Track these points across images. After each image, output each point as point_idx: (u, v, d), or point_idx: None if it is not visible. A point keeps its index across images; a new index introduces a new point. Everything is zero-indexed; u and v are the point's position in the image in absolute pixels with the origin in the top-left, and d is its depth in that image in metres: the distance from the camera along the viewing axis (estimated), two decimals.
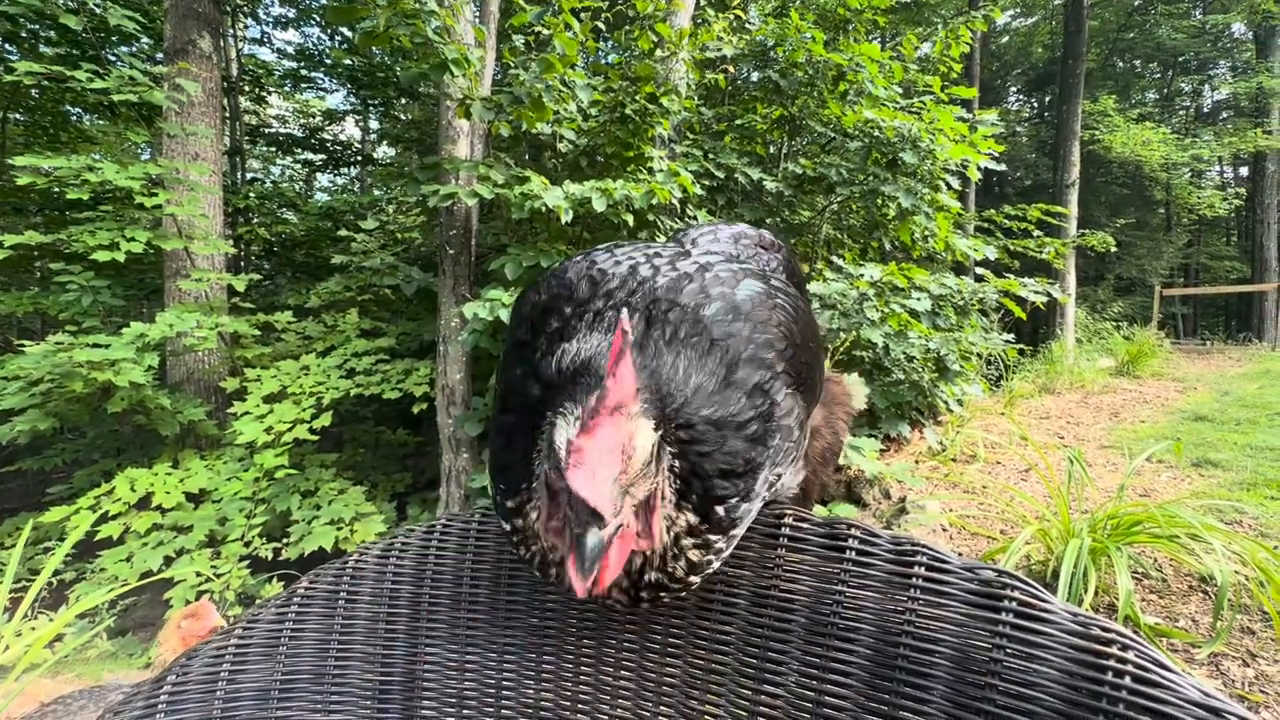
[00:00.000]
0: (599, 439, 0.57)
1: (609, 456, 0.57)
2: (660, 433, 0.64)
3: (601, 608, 0.89)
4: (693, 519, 0.69)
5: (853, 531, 0.76)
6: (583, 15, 4.72)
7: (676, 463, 0.67)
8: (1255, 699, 2.02)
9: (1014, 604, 0.64)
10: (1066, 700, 0.59)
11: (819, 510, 3.91)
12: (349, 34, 12.25)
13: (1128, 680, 0.57)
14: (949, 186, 5.60)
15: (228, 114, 10.45)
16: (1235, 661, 2.19)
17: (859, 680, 0.71)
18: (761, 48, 5.99)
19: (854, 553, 0.75)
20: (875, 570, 0.73)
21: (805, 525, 0.80)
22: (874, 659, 0.70)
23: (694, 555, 0.72)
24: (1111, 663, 0.58)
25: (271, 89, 12.57)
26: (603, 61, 6.24)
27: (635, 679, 0.86)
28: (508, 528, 0.76)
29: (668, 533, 0.68)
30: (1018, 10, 21.25)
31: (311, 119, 14.50)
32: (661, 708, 0.83)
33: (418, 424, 7.19)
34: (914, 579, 0.71)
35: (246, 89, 11.95)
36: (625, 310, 0.64)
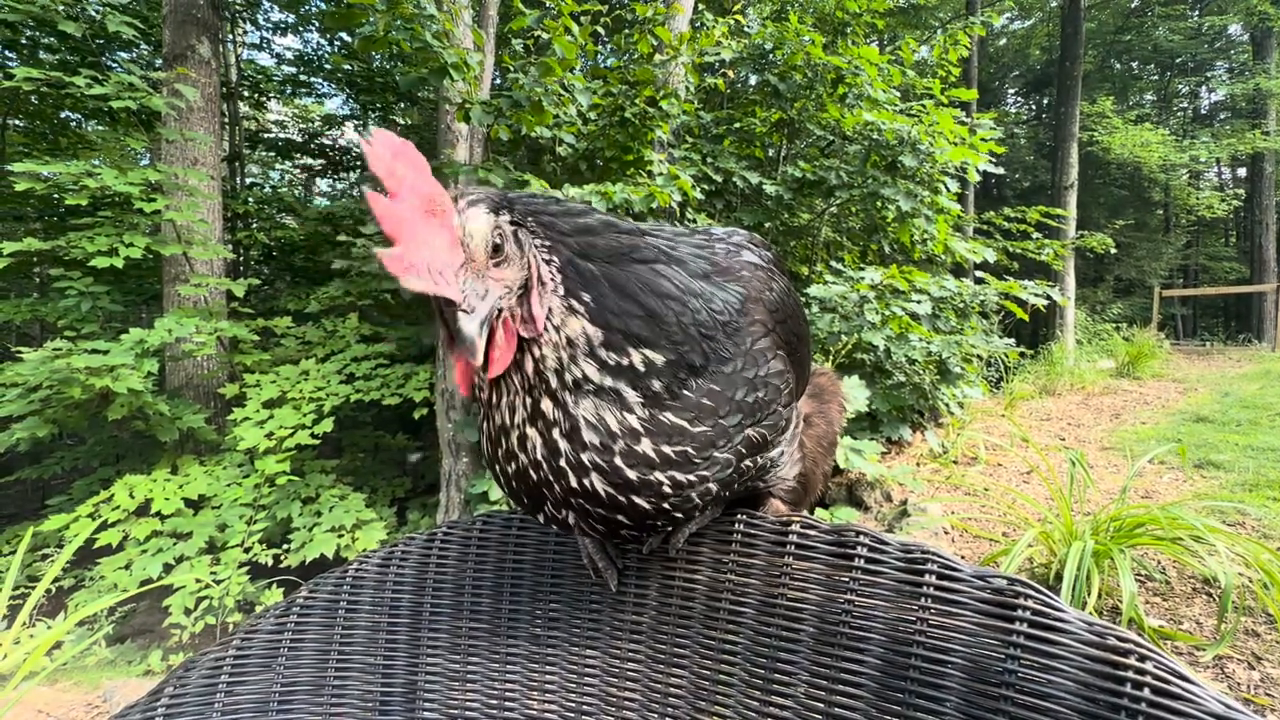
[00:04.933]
0: (418, 240, 0.61)
1: (440, 251, 0.62)
2: (506, 216, 0.67)
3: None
4: (589, 329, 0.65)
5: (861, 539, 0.75)
6: (582, 19, 4.72)
7: (551, 250, 0.67)
8: (1261, 702, 2.01)
9: (1028, 613, 0.63)
10: (1083, 712, 0.58)
11: (820, 513, 3.91)
12: (348, 39, 12.27)
13: (1146, 692, 0.56)
14: (948, 189, 5.60)
15: (227, 119, 10.46)
16: (1240, 664, 2.18)
17: (869, 690, 0.70)
18: (760, 51, 5.99)
19: (863, 560, 0.74)
20: (885, 578, 0.72)
21: (813, 533, 0.79)
22: (884, 668, 0.69)
23: (610, 417, 0.66)
24: (1130, 673, 0.57)
25: (271, 94, 12.58)
26: (602, 65, 6.24)
27: (641, 690, 0.84)
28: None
29: (558, 333, 0.65)
30: (1015, 13, 21.31)
31: (310, 124, 14.49)
32: (668, 719, 0.82)
33: (417, 429, 7.17)
34: (924, 587, 0.69)
35: (245, 94, 11.95)
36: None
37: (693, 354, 0.69)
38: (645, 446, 0.67)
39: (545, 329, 0.66)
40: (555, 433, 0.67)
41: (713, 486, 0.72)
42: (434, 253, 0.62)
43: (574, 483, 0.68)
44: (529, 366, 0.67)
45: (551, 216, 0.69)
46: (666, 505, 0.70)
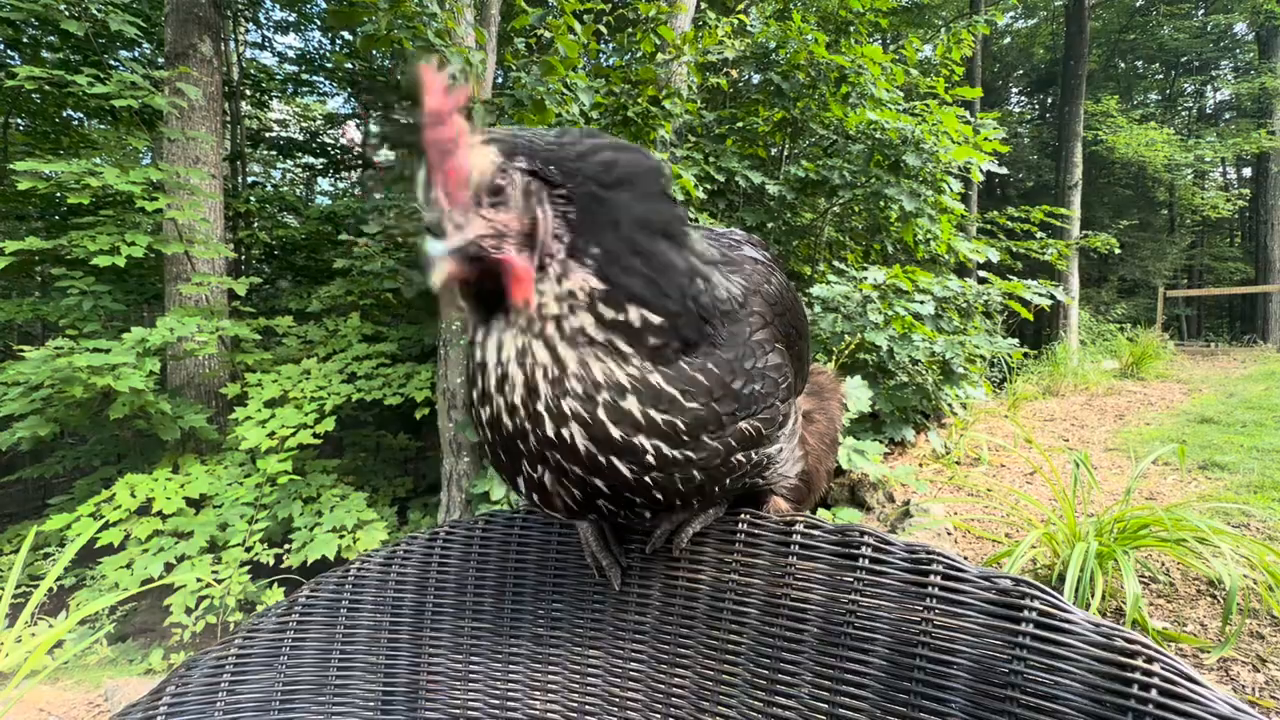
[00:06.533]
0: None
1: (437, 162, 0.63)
2: (522, 162, 0.66)
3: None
4: (593, 281, 0.65)
5: (866, 539, 0.75)
6: (585, 18, 4.71)
7: (569, 200, 0.67)
8: (1266, 704, 2.00)
9: (1034, 614, 0.63)
10: (1089, 713, 0.58)
11: (822, 514, 3.90)
12: (350, 37, 12.27)
13: (1154, 693, 0.55)
14: (951, 189, 5.60)
15: (229, 118, 10.47)
16: (1245, 666, 2.18)
17: (874, 691, 0.69)
18: (763, 50, 5.98)
19: (867, 560, 0.74)
20: (890, 579, 0.72)
21: (817, 533, 0.79)
22: (889, 669, 0.69)
23: (597, 367, 0.65)
24: (1137, 675, 0.56)
25: (272, 93, 12.60)
26: (604, 64, 6.24)
27: (644, 690, 0.84)
28: None
29: (559, 283, 0.66)
30: (1019, 12, 21.27)
31: (312, 123, 14.51)
32: (671, 719, 0.81)
33: (418, 428, 7.18)
34: (930, 588, 0.69)
35: (247, 93, 11.97)
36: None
37: (688, 328, 0.69)
38: (631, 405, 0.66)
39: (545, 278, 0.66)
40: (539, 374, 0.66)
41: (696, 474, 0.71)
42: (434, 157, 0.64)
43: (550, 432, 0.66)
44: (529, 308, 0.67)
45: (577, 164, 0.68)
46: (649, 479, 0.68)
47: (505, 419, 0.68)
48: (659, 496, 0.71)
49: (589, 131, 0.72)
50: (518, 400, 0.67)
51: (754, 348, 0.75)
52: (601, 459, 0.67)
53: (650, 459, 0.67)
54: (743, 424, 0.73)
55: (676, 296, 0.68)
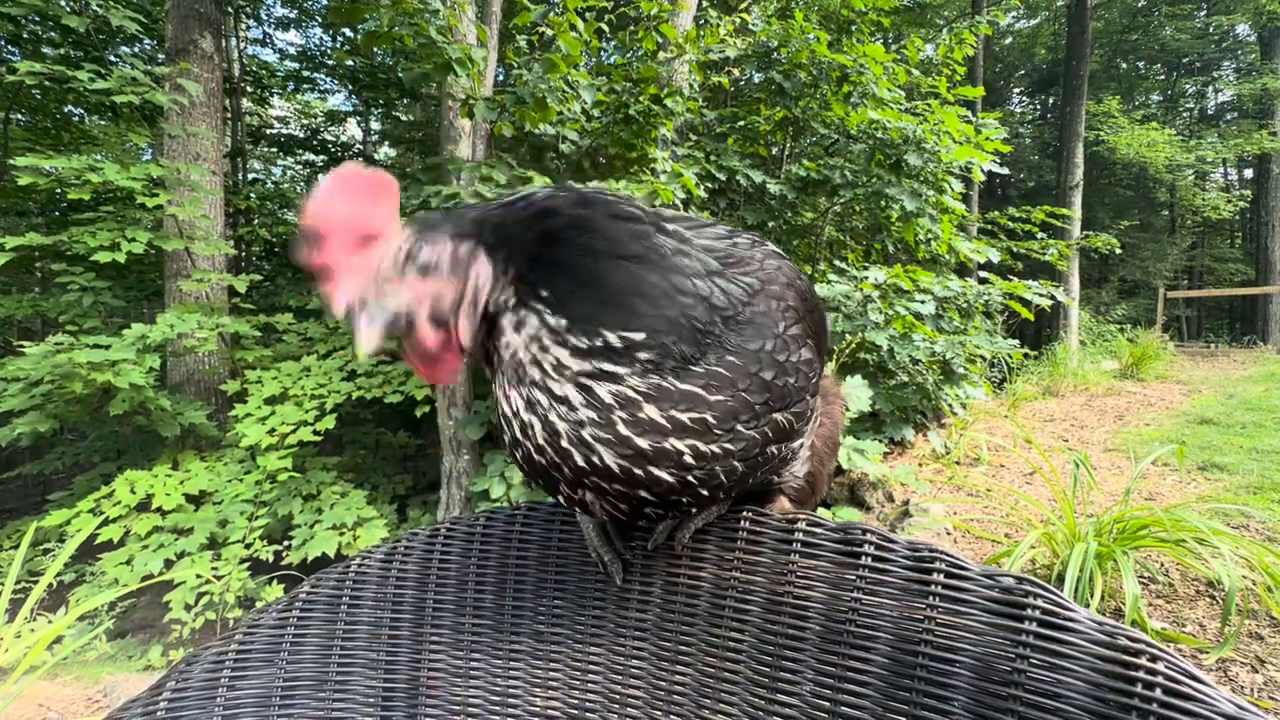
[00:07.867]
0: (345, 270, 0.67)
1: (352, 269, 0.67)
2: (452, 231, 0.70)
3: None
4: (551, 319, 0.67)
5: (868, 537, 0.74)
6: (587, 15, 4.71)
7: (508, 259, 0.70)
8: (1265, 705, 2.00)
9: (1037, 612, 0.63)
10: (1093, 712, 0.58)
11: (822, 513, 3.89)
12: (351, 34, 12.26)
13: (1158, 692, 0.55)
14: (952, 189, 5.59)
15: (229, 115, 10.45)
16: (1244, 668, 2.18)
17: (876, 689, 0.69)
18: (765, 49, 5.98)
19: (870, 559, 0.74)
20: (892, 577, 0.72)
21: (819, 530, 0.79)
22: (891, 667, 0.69)
23: (601, 390, 0.66)
24: (1140, 674, 0.56)
25: (273, 90, 12.58)
26: (606, 62, 6.23)
27: (646, 687, 0.84)
28: None
29: (517, 331, 0.69)
30: (1021, 12, 21.24)
31: (313, 119, 14.50)
32: (672, 717, 0.81)
33: (418, 426, 7.17)
34: (932, 586, 0.69)
35: (248, 90, 11.95)
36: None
37: (679, 343, 0.69)
38: (652, 413, 0.66)
39: (504, 329, 0.70)
40: (552, 415, 0.67)
41: (738, 464, 0.71)
42: (350, 275, 0.68)
43: (581, 461, 0.67)
44: (508, 359, 0.70)
45: (510, 219, 0.71)
46: (691, 478, 0.69)
47: (537, 458, 0.70)
48: (704, 493, 0.72)
49: (541, 190, 0.74)
50: (542, 442, 0.69)
51: (788, 341, 0.75)
52: (638, 471, 0.67)
53: (688, 459, 0.68)
54: (778, 415, 0.74)
55: (652, 314, 0.68)
